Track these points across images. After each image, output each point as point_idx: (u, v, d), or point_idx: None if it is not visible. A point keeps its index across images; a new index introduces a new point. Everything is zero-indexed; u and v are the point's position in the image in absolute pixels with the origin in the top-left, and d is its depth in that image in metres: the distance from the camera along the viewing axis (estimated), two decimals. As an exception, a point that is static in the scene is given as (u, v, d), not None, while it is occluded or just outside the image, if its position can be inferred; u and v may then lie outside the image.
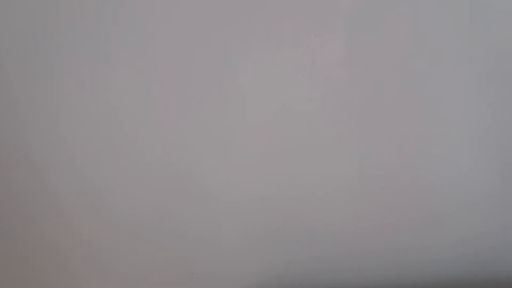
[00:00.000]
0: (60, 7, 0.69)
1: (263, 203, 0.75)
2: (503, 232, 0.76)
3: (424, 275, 0.78)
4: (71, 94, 0.72)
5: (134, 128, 0.73)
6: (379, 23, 0.69)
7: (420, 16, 0.69)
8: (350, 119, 0.72)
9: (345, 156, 0.74)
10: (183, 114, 0.72)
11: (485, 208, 0.75)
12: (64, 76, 0.71)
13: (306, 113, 0.72)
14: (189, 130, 0.73)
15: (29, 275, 0.78)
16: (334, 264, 0.77)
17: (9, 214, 0.77)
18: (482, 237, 0.76)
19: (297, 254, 0.77)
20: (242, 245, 0.77)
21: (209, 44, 0.70)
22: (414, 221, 0.76)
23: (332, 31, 0.69)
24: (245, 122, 0.73)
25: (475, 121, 0.72)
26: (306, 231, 0.76)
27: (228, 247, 0.77)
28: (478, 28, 0.69)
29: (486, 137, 0.73)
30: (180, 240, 0.77)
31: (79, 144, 0.74)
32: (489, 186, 0.74)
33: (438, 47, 0.70)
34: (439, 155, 0.74)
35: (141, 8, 0.69)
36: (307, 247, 0.77)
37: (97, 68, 0.71)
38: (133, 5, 0.69)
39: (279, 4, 0.69)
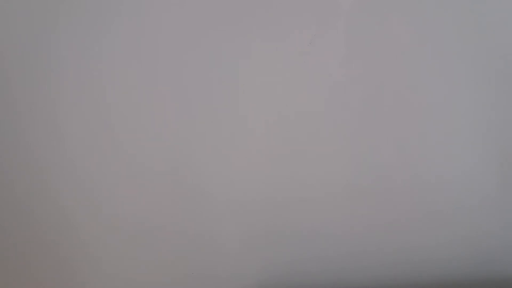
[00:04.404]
0: (59, 7, 0.69)
1: (263, 203, 0.75)
2: (503, 232, 0.76)
3: (423, 275, 0.78)
4: (71, 96, 0.72)
5: (134, 129, 0.73)
6: (380, 23, 0.69)
7: (420, 16, 0.69)
8: (350, 119, 0.72)
9: (345, 156, 0.74)
10: (182, 114, 0.72)
11: (485, 208, 0.75)
12: (63, 77, 0.71)
13: (306, 113, 0.72)
14: (188, 130, 0.73)
15: (29, 276, 0.78)
16: (334, 264, 0.77)
17: (9, 214, 0.77)
18: (482, 237, 0.76)
19: (297, 254, 0.77)
20: (242, 245, 0.77)
21: (209, 44, 0.70)
22: (414, 221, 0.76)
23: (333, 31, 0.69)
24: (245, 122, 0.73)
25: (475, 121, 0.72)
26: (306, 231, 0.76)
27: (228, 247, 0.77)
28: (478, 29, 0.69)
29: (486, 137, 0.73)
30: (179, 240, 0.77)
31: (79, 145, 0.74)
32: (489, 186, 0.75)
33: (438, 47, 0.70)
34: (439, 155, 0.74)
35: (142, 10, 0.69)
36: (307, 247, 0.77)
37: (98, 68, 0.71)
38: (133, 6, 0.69)
39: (280, 4, 0.69)
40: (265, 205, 0.75)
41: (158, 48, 0.70)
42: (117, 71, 0.71)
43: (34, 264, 0.78)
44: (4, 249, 0.78)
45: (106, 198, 0.75)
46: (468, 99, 0.72)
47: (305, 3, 0.68)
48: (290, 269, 0.78)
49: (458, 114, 0.72)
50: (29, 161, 0.74)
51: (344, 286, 0.78)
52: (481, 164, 0.74)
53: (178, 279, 0.78)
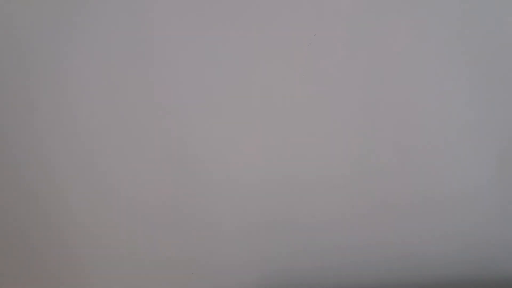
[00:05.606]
0: (59, 8, 0.70)
1: (264, 201, 0.76)
2: (501, 228, 0.76)
3: (423, 270, 0.78)
4: (79, 90, 0.72)
5: (138, 124, 0.73)
6: (380, 23, 0.69)
7: (420, 16, 0.69)
8: (350, 117, 0.72)
9: (344, 152, 0.74)
10: (187, 105, 0.73)
11: (483, 205, 0.76)
12: (67, 76, 0.72)
13: (306, 111, 0.73)
14: (190, 129, 0.73)
15: (38, 268, 0.79)
16: (332, 258, 0.78)
17: (17, 208, 0.77)
18: (480, 233, 0.77)
19: (298, 250, 0.78)
20: (242, 241, 0.78)
21: (209, 43, 0.70)
22: (413, 217, 0.76)
23: (333, 31, 0.69)
24: (245, 121, 0.73)
25: (472, 117, 0.72)
26: (306, 227, 0.77)
27: (228, 242, 0.78)
28: (478, 29, 0.69)
29: (485, 136, 0.73)
30: (180, 239, 0.77)
31: (85, 139, 0.74)
32: (488, 184, 0.75)
33: (437, 46, 0.70)
34: (437, 152, 0.74)
35: (143, 12, 0.69)
36: (307, 243, 0.78)
37: (105, 64, 0.71)
38: (135, 7, 0.69)
39: (280, 3, 0.68)
40: (267, 203, 0.76)
41: (156, 46, 0.71)
42: (121, 68, 0.71)
43: (43, 258, 0.79)
44: (13, 243, 0.79)
45: (108, 195, 0.76)
46: (468, 97, 0.71)
47: (305, 3, 0.68)
48: (290, 266, 0.78)
49: (456, 111, 0.72)
50: (37, 155, 0.75)
51: (343, 279, 0.78)
52: (480, 162, 0.74)
53: (178, 278, 0.79)
